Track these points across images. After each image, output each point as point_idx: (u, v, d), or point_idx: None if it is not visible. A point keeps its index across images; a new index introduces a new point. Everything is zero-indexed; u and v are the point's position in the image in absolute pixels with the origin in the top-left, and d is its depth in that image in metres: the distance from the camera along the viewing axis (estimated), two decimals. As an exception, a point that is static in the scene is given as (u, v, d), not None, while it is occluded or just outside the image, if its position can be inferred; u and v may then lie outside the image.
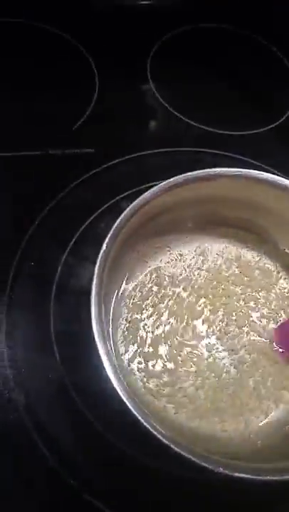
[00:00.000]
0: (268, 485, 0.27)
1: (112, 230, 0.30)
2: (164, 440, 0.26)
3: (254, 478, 0.26)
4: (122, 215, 0.30)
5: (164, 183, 0.32)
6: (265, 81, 0.55)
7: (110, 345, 0.33)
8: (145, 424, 0.26)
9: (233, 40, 0.59)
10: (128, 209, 0.31)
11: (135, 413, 0.26)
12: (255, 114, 0.52)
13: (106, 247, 0.29)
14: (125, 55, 0.53)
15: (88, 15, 0.55)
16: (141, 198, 0.32)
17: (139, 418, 0.26)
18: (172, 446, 0.26)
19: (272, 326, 0.38)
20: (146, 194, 0.32)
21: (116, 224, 0.30)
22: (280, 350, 0.36)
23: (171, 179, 0.33)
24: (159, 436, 0.26)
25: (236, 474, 0.26)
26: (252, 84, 0.55)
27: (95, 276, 0.29)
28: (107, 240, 0.30)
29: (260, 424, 0.33)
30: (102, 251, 0.29)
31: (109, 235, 0.30)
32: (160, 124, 0.51)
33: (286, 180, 0.36)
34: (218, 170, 0.35)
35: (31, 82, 0.50)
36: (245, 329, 0.37)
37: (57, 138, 0.47)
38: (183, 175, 0.33)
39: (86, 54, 0.53)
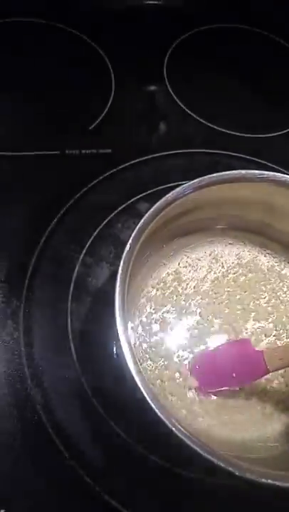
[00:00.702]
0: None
1: (136, 230, 0.30)
2: (191, 444, 0.26)
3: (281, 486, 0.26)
4: (146, 216, 0.30)
5: (189, 184, 0.32)
6: (285, 83, 0.55)
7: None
8: (174, 430, 0.26)
9: (253, 41, 0.59)
10: (152, 209, 0.30)
11: (166, 422, 0.26)
12: (273, 117, 0.52)
13: (129, 247, 0.29)
14: (142, 56, 0.54)
15: (105, 15, 0.56)
16: (164, 199, 0.31)
17: (169, 425, 0.26)
18: (199, 450, 0.26)
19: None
20: (170, 195, 0.31)
21: (140, 224, 0.30)
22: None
23: (196, 180, 0.32)
24: (187, 441, 0.26)
25: (263, 480, 0.26)
26: (271, 86, 0.55)
27: (118, 277, 0.29)
28: (130, 240, 0.29)
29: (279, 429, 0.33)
30: (125, 251, 0.29)
31: (132, 235, 0.29)
32: (176, 125, 0.51)
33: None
34: (242, 172, 0.34)
35: (48, 82, 0.50)
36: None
37: (74, 138, 0.47)
38: (208, 176, 0.33)
39: (103, 54, 0.53)
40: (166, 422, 0.26)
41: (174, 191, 0.31)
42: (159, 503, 0.33)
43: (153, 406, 0.26)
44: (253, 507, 0.33)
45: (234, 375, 0.33)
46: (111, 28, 0.55)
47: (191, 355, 0.36)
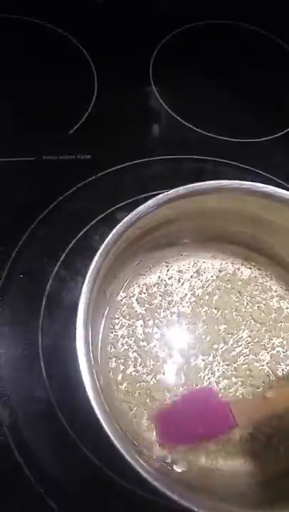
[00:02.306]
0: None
1: (103, 247, 0.28)
2: (143, 473, 0.24)
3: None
4: (114, 230, 0.29)
5: (161, 196, 0.30)
6: (274, 85, 0.53)
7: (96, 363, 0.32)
8: (125, 455, 0.24)
9: (242, 41, 0.56)
10: (120, 224, 0.29)
11: (116, 443, 0.25)
12: (261, 121, 0.50)
13: (95, 266, 0.28)
14: (126, 56, 0.51)
15: (88, 13, 0.53)
16: (134, 212, 0.30)
17: (119, 448, 0.24)
18: (149, 479, 0.24)
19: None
20: (141, 208, 0.30)
21: (107, 241, 0.28)
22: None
23: (170, 191, 0.31)
24: (137, 468, 0.24)
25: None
26: (260, 88, 0.52)
27: (82, 296, 0.27)
28: (96, 258, 0.28)
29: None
30: (90, 271, 0.27)
31: (98, 253, 0.28)
32: (161, 130, 0.48)
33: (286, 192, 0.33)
34: (218, 182, 0.32)
35: (27, 82, 0.48)
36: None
37: (52, 143, 0.45)
38: (182, 187, 0.31)
39: (85, 53, 0.51)
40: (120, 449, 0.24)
41: (144, 204, 0.29)
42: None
43: (109, 433, 0.25)
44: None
45: (199, 430, 0.30)
46: (94, 26, 0.52)
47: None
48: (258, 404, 0.32)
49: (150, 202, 0.30)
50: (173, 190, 0.32)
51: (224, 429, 0.30)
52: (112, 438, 0.25)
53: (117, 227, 0.30)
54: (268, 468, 0.32)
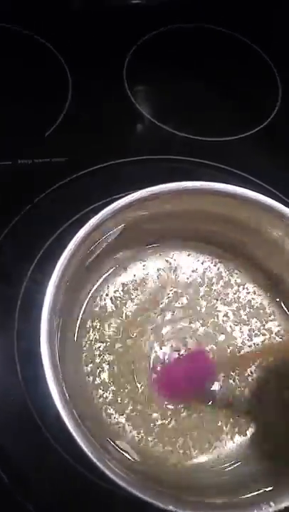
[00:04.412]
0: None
1: (62, 256, 0.28)
2: (111, 475, 0.25)
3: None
4: (74, 239, 0.29)
5: (124, 198, 0.31)
6: (248, 84, 0.53)
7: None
8: (93, 458, 0.25)
9: (215, 43, 0.56)
10: (82, 229, 0.29)
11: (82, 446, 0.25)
12: (235, 120, 0.50)
13: (57, 275, 0.28)
14: (100, 58, 0.51)
15: (61, 15, 0.53)
16: (98, 215, 0.30)
17: (86, 451, 0.25)
18: (119, 482, 0.25)
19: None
20: (104, 211, 0.30)
21: (67, 248, 0.29)
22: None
23: (136, 193, 0.31)
24: (105, 470, 0.25)
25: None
26: (233, 88, 0.53)
27: (46, 303, 0.27)
28: (58, 266, 0.28)
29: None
30: (52, 278, 0.28)
31: (59, 262, 0.28)
32: (136, 131, 0.49)
33: (258, 195, 0.34)
34: (185, 183, 0.33)
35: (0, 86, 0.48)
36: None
37: (27, 146, 0.45)
38: (149, 188, 0.31)
39: (59, 56, 0.51)
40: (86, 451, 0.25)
41: (101, 212, 0.30)
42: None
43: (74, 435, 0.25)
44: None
45: (190, 383, 0.35)
46: (67, 28, 0.52)
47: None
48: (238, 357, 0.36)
49: (113, 205, 0.31)
50: (140, 191, 0.32)
51: (206, 375, 0.35)
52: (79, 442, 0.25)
53: (78, 233, 0.30)
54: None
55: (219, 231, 0.39)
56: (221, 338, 0.37)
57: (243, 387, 0.35)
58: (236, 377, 0.35)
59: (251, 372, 0.36)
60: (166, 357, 0.35)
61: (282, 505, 0.25)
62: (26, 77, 0.49)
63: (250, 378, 0.35)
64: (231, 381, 0.35)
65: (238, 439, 0.34)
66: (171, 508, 0.24)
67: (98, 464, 0.25)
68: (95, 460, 0.25)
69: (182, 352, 0.36)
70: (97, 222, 0.30)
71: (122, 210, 0.31)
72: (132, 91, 0.50)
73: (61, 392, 0.26)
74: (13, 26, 0.52)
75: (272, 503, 0.25)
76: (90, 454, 0.25)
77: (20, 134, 0.46)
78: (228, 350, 0.36)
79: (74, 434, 0.25)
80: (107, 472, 0.25)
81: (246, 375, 0.35)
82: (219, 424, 0.34)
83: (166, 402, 0.34)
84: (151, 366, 0.35)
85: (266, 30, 0.56)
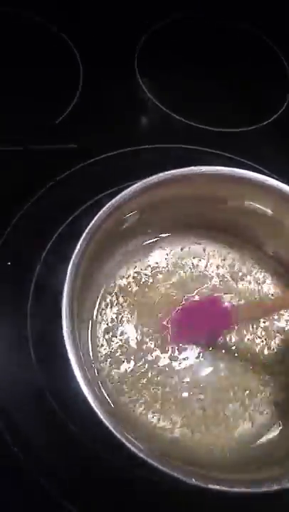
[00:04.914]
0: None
1: (85, 233, 0.29)
2: (135, 451, 0.25)
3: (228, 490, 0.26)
4: (96, 217, 0.29)
5: (146, 180, 0.31)
6: (259, 76, 0.53)
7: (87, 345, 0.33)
8: (117, 435, 0.25)
9: (226, 32, 0.57)
10: (101, 211, 0.29)
11: (107, 424, 0.25)
12: (245, 111, 0.51)
13: (79, 248, 0.28)
14: (112, 46, 0.51)
15: (73, 3, 0.53)
16: (118, 196, 0.31)
17: (112, 430, 0.25)
18: (144, 457, 0.25)
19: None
20: (120, 196, 0.31)
21: (89, 227, 0.29)
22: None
23: (146, 179, 0.32)
24: (130, 446, 0.25)
25: (210, 486, 0.25)
26: (244, 80, 0.53)
27: (66, 282, 0.28)
28: (79, 243, 0.29)
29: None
30: (74, 254, 0.28)
31: (81, 239, 0.29)
32: (146, 119, 0.49)
33: (267, 178, 0.35)
34: (191, 169, 0.34)
35: (12, 73, 0.48)
36: None
37: (39, 132, 0.45)
38: (157, 175, 0.32)
39: (70, 44, 0.51)
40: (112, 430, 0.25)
41: (122, 193, 0.30)
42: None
43: (97, 412, 0.25)
44: None
45: (205, 328, 0.36)
46: (79, 17, 0.53)
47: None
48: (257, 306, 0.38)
49: (135, 186, 0.31)
50: (160, 174, 0.33)
51: (225, 326, 0.36)
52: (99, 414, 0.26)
53: (101, 211, 0.30)
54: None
55: (227, 218, 0.39)
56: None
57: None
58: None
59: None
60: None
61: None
62: (39, 64, 0.49)
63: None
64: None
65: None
66: (193, 481, 0.25)
67: (120, 437, 0.25)
68: (117, 434, 0.25)
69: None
70: (117, 204, 0.30)
71: (139, 194, 0.31)
72: (144, 80, 0.50)
73: (84, 376, 0.26)
74: (24, 13, 0.52)
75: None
76: (112, 429, 0.25)
77: (31, 119, 0.46)
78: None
79: (98, 412, 0.25)
80: (128, 445, 0.25)
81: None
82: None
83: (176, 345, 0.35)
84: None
85: (278, 22, 0.56)
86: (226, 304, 0.37)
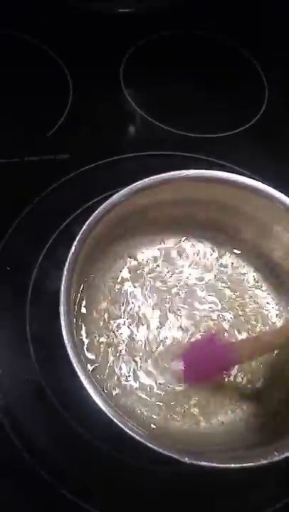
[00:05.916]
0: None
1: (80, 234, 0.31)
2: (137, 437, 0.27)
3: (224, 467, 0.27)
4: (90, 219, 0.31)
5: (130, 186, 0.34)
6: (237, 86, 0.57)
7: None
8: (118, 423, 0.27)
9: (205, 45, 0.60)
10: (96, 213, 0.32)
11: (109, 415, 0.27)
12: (225, 119, 0.54)
13: (74, 249, 0.30)
14: (99, 61, 0.54)
15: (61, 21, 0.56)
16: (109, 201, 0.33)
17: (113, 419, 0.27)
18: (144, 441, 0.27)
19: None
20: (115, 197, 0.33)
21: (83, 228, 0.31)
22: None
23: (138, 182, 0.34)
24: (131, 433, 0.27)
25: (203, 463, 0.27)
26: (223, 89, 0.56)
27: (63, 278, 0.30)
28: (75, 243, 0.31)
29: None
30: (70, 254, 0.30)
31: (76, 239, 0.31)
32: (134, 129, 0.52)
33: (250, 180, 0.37)
34: (181, 172, 0.36)
35: (4, 88, 0.51)
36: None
37: (32, 145, 0.48)
38: (149, 178, 0.34)
39: (59, 60, 0.54)
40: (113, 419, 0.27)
41: (116, 194, 0.32)
42: (119, 498, 0.34)
43: (98, 401, 0.27)
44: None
45: (210, 369, 0.36)
46: (67, 34, 0.56)
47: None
48: (255, 343, 0.37)
49: (123, 191, 0.34)
50: (146, 179, 0.35)
51: (229, 365, 0.36)
52: (99, 403, 0.27)
53: (92, 217, 0.33)
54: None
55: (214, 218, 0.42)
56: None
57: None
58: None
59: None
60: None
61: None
62: (30, 80, 0.52)
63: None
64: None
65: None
66: (186, 459, 0.27)
67: (124, 428, 0.27)
68: (123, 427, 0.27)
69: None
70: (108, 209, 0.32)
71: (130, 197, 0.33)
72: (129, 92, 0.53)
73: (86, 374, 0.28)
74: (13, 32, 0.55)
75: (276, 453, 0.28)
76: (117, 421, 0.27)
77: (25, 133, 0.49)
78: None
79: (101, 406, 0.27)
80: (133, 434, 0.27)
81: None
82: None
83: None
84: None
85: (254, 35, 0.60)
86: (225, 340, 0.37)
